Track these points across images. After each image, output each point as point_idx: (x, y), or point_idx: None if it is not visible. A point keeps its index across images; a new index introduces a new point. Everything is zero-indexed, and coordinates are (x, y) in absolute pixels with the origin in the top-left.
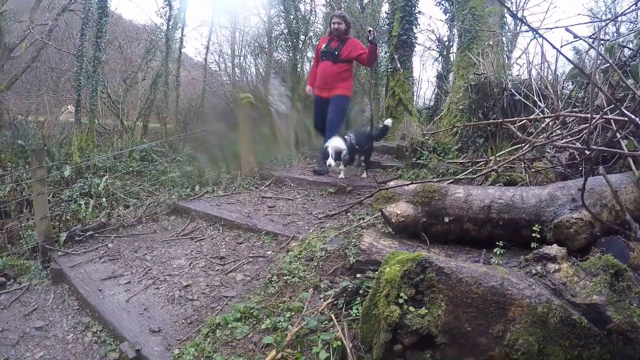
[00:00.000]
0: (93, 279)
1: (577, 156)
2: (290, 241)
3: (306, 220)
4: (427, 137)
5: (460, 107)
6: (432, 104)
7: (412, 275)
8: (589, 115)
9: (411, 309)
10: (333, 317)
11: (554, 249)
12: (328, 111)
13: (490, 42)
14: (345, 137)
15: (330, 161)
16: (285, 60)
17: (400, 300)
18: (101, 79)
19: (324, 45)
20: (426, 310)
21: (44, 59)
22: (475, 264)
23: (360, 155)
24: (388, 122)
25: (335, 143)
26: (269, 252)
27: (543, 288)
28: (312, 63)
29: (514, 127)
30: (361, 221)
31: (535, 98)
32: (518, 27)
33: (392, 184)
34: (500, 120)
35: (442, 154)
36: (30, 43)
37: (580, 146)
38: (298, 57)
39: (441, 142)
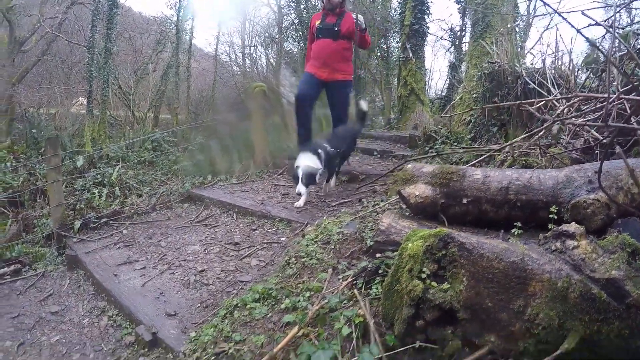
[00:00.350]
0: (108, 264)
1: (592, 142)
2: (305, 227)
3: (319, 207)
4: (440, 126)
5: (474, 95)
6: (444, 94)
7: (435, 251)
8: (605, 95)
9: (434, 284)
10: (357, 292)
11: (572, 226)
12: (334, 104)
13: (509, 25)
14: (319, 150)
15: (300, 188)
16: (296, 50)
17: (423, 275)
18: (112, 70)
19: (317, 22)
20: (448, 285)
21: (55, 52)
22: (495, 240)
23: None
24: (363, 105)
25: (308, 162)
26: (283, 239)
27: (563, 263)
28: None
29: (532, 108)
30: (376, 207)
31: (549, 86)
32: (532, 15)
33: (409, 165)
34: (518, 102)
35: (456, 143)
36: (41, 36)
37: (598, 123)
38: None
39: (454, 131)
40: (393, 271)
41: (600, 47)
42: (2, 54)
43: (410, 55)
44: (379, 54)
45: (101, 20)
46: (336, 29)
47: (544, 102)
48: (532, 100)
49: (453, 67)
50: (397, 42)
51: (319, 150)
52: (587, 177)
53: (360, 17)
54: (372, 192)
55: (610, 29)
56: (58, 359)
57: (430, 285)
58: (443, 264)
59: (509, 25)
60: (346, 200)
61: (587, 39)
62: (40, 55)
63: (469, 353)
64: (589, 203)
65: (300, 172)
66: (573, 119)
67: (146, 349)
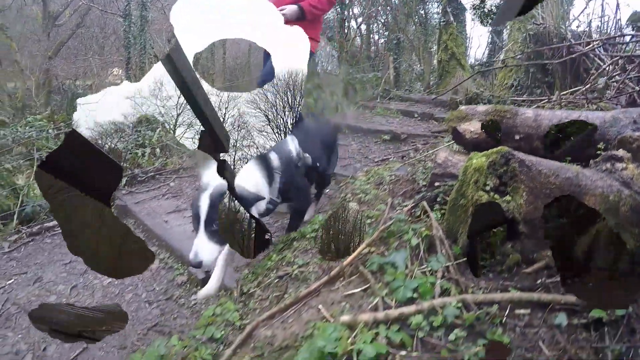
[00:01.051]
0: (158, 212)
1: (635, 96)
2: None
3: (363, 163)
4: (481, 90)
5: (518, 56)
6: (484, 60)
7: (497, 167)
8: None
9: (496, 197)
10: (425, 205)
11: (620, 151)
12: None
13: None
14: (271, 154)
15: (200, 251)
16: (332, 17)
17: (487, 188)
18: (148, 38)
19: None
20: (510, 198)
21: (89, 25)
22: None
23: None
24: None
25: (224, 183)
26: (328, 191)
27: (613, 180)
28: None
29: (585, 49)
30: (424, 155)
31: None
32: None
33: (463, 107)
34: (568, 44)
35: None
36: (74, 10)
37: None
38: (346, 13)
39: (496, 94)
40: (457, 187)
41: None
42: (37, 30)
43: (451, 19)
44: (416, 20)
45: None
46: None
47: (591, 45)
48: (580, 41)
49: (495, 33)
50: (437, 8)
51: (271, 155)
52: (632, 118)
53: (290, 7)
54: (415, 151)
55: None
56: (111, 299)
57: (493, 198)
58: (504, 180)
59: None
60: (389, 157)
61: None
62: (75, 28)
63: (526, 268)
64: (635, 138)
65: (202, 205)
66: (622, 53)
67: (198, 287)
